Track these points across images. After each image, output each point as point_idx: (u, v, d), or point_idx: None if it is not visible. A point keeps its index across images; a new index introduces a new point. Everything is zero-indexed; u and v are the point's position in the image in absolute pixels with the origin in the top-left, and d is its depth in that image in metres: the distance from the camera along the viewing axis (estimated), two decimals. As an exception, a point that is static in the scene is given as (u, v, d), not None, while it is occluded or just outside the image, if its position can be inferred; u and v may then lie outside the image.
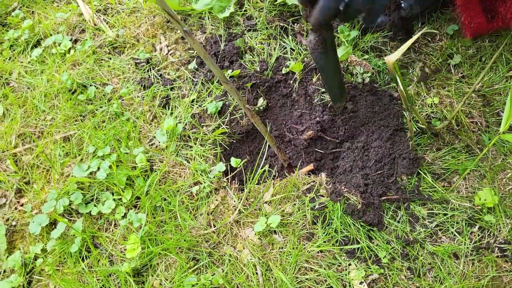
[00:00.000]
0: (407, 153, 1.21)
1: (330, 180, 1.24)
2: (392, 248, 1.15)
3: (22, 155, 1.38)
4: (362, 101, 1.31)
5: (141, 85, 1.45)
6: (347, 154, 1.27)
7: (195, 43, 0.86)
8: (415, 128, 1.26)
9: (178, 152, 1.33)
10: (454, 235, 1.16)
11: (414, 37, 0.71)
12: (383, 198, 1.18)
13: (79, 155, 1.35)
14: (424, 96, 1.30)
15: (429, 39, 1.42)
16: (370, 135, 1.28)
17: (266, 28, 1.49)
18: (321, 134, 1.32)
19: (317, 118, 1.33)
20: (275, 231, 1.19)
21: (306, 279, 1.13)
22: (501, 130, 0.89)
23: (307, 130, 1.30)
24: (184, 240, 1.18)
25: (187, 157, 1.32)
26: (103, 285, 1.16)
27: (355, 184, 1.18)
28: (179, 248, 1.18)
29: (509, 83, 1.31)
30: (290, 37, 1.47)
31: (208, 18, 1.53)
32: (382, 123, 1.28)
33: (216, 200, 1.25)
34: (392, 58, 0.71)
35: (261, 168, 1.33)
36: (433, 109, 1.28)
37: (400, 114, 1.29)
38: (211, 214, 1.23)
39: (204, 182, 1.26)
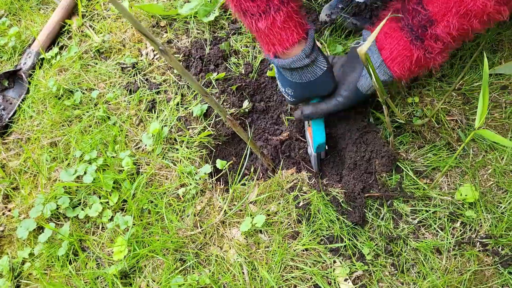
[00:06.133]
0: (385, 151, 1.22)
1: (312, 175, 1.26)
2: (376, 245, 1.17)
3: (9, 161, 1.39)
4: None
5: (127, 90, 1.47)
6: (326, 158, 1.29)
7: (172, 61, 0.86)
8: (395, 124, 1.28)
9: (164, 155, 1.34)
10: (437, 231, 1.18)
11: (380, 25, 0.73)
12: (366, 195, 1.20)
13: (66, 159, 1.36)
14: (405, 95, 1.33)
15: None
16: (342, 139, 1.29)
17: (251, 31, 1.51)
18: (297, 137, 1.34)
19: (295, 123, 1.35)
20: (260, 231, 1.20)
21: (292, 277, 1.14)
22: (476, 126, 0.91)
23: (284, 131, 1.32)
24: (171, 242, 1.19)
25: (173, 160, 1.34)
26: (90, 288, 1.17)
27: (336, 180, 1.20)
28: (166, 249, 1.19)
29: (489, 81, 1.34)
30: (274, 40, 1.49)
31: (194, 22, 1.55)
32: (348, 127, 1.29)
33: (202, 201, 1.26)
34: (363, 48, 0.72)
35: (246, 169, 1.35)
36: (413, 108, 1.31)
37: (367, 112, 1.30)
38: (197, 215, 1.25)
39: (190, 184, 1.27)
